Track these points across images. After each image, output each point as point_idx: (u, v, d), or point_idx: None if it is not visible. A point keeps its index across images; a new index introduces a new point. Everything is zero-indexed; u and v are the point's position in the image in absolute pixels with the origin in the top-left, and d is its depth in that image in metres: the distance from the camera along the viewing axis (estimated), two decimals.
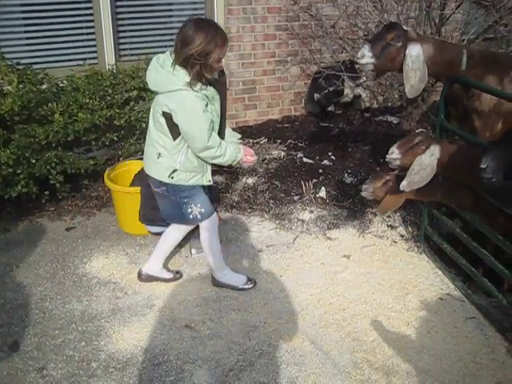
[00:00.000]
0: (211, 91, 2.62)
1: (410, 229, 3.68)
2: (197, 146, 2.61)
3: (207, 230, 2.91)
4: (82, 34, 4.48)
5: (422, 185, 2.51)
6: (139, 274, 3.12)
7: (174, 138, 2.63)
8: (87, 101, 3.66)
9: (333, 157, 4.68)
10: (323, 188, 4.12)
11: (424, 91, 4.87)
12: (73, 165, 3.65)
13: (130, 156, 3.96)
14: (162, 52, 2.64)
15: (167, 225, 3.28)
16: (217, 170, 2.94)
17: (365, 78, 5.23)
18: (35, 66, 3.79)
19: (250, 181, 4.24)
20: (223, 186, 4.15)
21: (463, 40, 4.60)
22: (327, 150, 4.79)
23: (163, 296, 3.01)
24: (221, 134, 2.75)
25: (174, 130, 2.60)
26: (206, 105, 2.58)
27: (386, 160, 2.56)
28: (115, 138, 3.88)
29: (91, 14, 4.44)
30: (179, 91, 2.51)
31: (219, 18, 4.87)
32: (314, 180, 4.21)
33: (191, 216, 2.82)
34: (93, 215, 3.84)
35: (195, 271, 3.24)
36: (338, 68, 5.01)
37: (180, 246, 3.44)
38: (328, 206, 3.95)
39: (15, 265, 3.25)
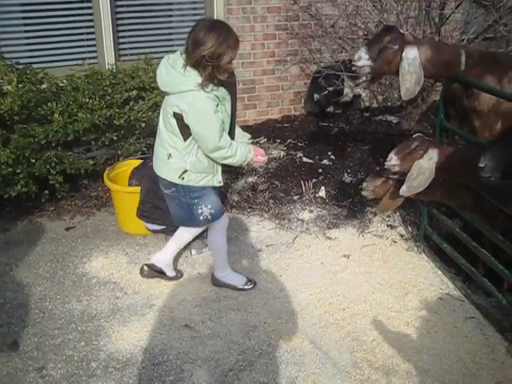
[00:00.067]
0: (222, 92, 2.61)
1: (409, 228, 3.68)
2: (208, 146, 2.60)
3: (216, 230, 2.91)
4: (82, 34, 4.48)
5: (421, 189, 2.51)
6: (141, 270, 3.13)
7: (185, 139, 2.62)
8: (87, 100, 3.66)
9: (332, 156, 4.68)
10: (323, 188, 4.12)
11: (424, 91, 4.88)
12: (72, 165, 3.65)
13: (130, 156, 3.96)
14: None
15: (165, 223, 3.29)
16: (225, 169, 2.95)
17: (364, 78, 5.23)
18: (35, 66, 3.79)
19: (250, 180, 4.24)
20: (223, 186, 4.14)
21: (463, 40, 4.60)
22: (327, 149, 4.79)
23: (163, 296, 3.01)
24: (231, 135, 2.74)
25: (185, 131, 2.59)
26: (217, 105, 2.56)
27: (385, 167, 2.56)
28: (115, 138, 3.88)
29: (91, 14, 4.44)
30: (190, 92, 2.50)
31: (219, 17, 4.85)
32: (314, 180, 4.21)
33: (201, 217, 2.79)
34: (92, 215, 3.84)
35: (195, 271, 3.24)
36: (338, 68, 5.01)
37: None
38: (328, 205, 3.96)
39: (15, 264, 3.25)
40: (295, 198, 4.04)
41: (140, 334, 2.72)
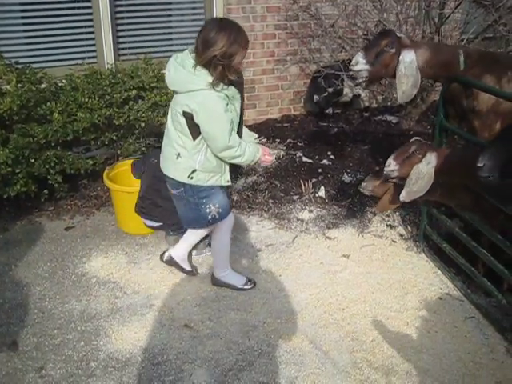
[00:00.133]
0: (232, 91, 2.59)
1: (409, 228, 3.68)
2: (218, 145, 2.59)
3: (222, 229, 2.91)
4: (81, 33, 4.48)
5: (421, 194, 2.51)
6: (162, 255, 3.19)
7: (194, 138, 2.61)
8: (86, 100, 3.65)
9: (332, 156, 4.68)
10: (322, 187, 4.12)
11: (423, 91, 4.88)
12: (72, 165, 3.65)
13: (129, 155, 3.95)
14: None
15: (162, 220, 3.29)
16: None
17: (362, 82, 5.23)
18: (34, 65, 3.79)
19: (249, 180, 4.24)
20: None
21: (462, 39, 4.60)
22: (326, 149, 4.78)
23: (162, 296, 3.00)
24: (239, 134, 2.74)
25: (195, 130, 2.58)
26: (227, 104, 2.56)
27: (384, 173, 2.56)
28: (114, 138, 3.88)
29: (90, 14, 4.43)
30: (201, 91, 2.49)
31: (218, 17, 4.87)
32: (314, 179, 4.21)
33: (210, 216, 2.78)
34: (92, 215, 3.84)
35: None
36: (338, 67, 5.01)
37: None
38: (327, 205, 3.95)
39: (14, 264, 3.25)
40: (295, 197, 4.04)
41: (139, 333, 2.72)
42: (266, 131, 5.16)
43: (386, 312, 2.90)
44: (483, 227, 2.76)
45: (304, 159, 4.60)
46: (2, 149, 3.29)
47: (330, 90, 5.19)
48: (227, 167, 2.76)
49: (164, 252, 3.22)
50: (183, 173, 2.69)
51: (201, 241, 3.20)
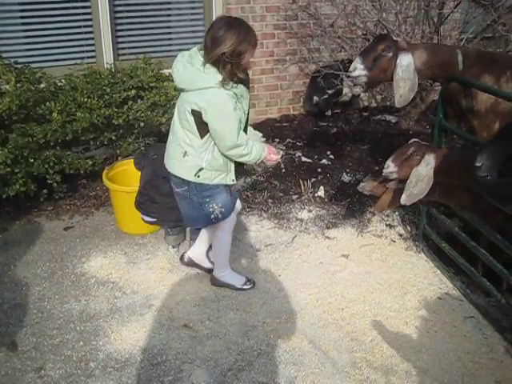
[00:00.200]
0: (241, 89, 2.59)
1: (408, 228, 3.68)
2: (226, 144, 2.58)
3: (224, 228, 2.91)
4: (80, 33, 4.47)
5: (421, 196, 2.50)
6: (182, 257, 3.22)
7: (202, 136, 2.60)
8: (85, 100, 3.65)
9: (331, 156, 4.68)
10: (322, 187, 4.12)
11: (423, 90, 4.88)
12: (71, 164, 3.65)
13: (129, 155, 3.95)
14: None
15: (159, 217, 3.29)
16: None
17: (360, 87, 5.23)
18: (33, 65, 3.78)
19: (249, 180, 4.24)
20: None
21: (462, 39, 4.60)
22: (326, 149, 4.78)
23: (161, 296, 3.00)
24: (244, 132, 2.72)
25: (203, 129, 2.57)
26: (235, 103, 2.55)
27: (383, 175, 2.56)
28: (113, 138, 3.87)
29: (89, 13, 4.43)
30: (210, 89, 2.48)
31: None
32: (313, 179, 4.21)
33: (213, 216, 2.78)
34: (91, 214, 3.84)
35: (194, 270, 3.23)
36: (337, 67, 5.01)
37: (180, 246, 3.45)
38: (327, 205, 3.95)
39: (13, 264, 3.25)
40: (294, 197, 4.04)
41: (139, 333, 2.72)
42: (266, 131, 5.14)
43: (386, 312, 2.90)
44: (482, 227, 2.76)
45: (303, 159, 4.60)
46: (1, 149, 3.29)
47: (330, 91, 5.19)
48: (233, 166, 2.75)
49: (183, 254, 3.23)
50: (190, 171, 2.67)
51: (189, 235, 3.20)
